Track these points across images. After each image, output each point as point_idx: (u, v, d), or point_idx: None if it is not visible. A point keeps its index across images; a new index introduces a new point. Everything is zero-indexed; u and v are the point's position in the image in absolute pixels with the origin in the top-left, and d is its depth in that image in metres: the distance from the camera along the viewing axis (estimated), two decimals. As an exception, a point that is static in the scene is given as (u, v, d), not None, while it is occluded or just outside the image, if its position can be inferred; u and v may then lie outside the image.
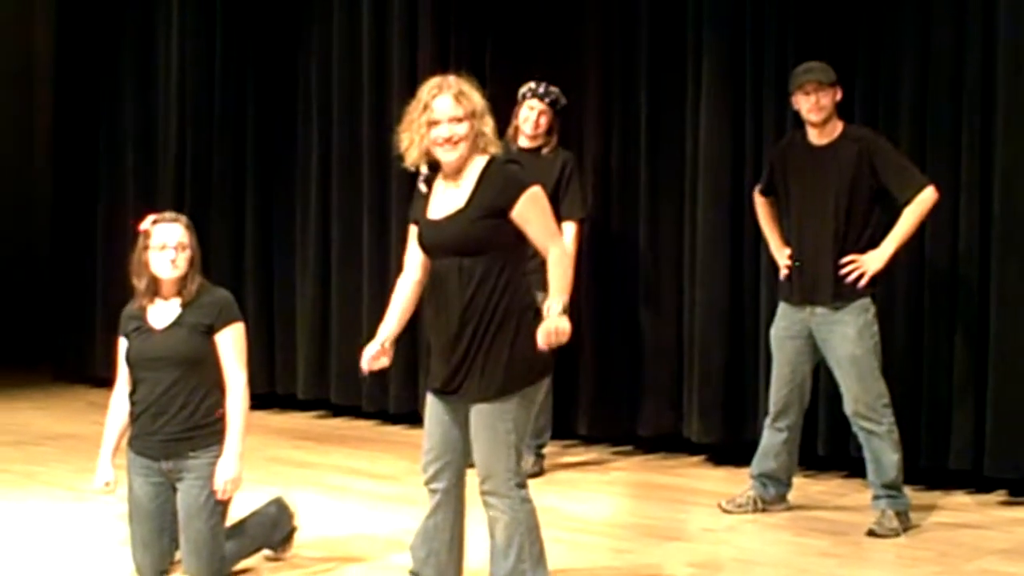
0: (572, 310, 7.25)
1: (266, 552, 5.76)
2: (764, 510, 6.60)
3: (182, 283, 5.48)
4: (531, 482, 7.26)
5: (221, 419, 5.47)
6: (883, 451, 6.27)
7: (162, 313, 5.49)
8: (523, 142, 7.29)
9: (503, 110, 7.52)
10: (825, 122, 6.31)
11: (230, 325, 5.49)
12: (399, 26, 8.71)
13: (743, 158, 7.49)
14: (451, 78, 4.93)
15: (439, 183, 4.97)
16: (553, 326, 4.70)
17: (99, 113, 10.29)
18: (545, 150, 7.30)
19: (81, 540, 6.15)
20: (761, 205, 6.67)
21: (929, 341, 7.01)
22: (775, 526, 6.43)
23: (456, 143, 4.85)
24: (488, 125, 4.89)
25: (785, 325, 6.48)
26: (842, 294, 6.26)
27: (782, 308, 6.51)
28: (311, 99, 9.16)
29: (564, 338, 4.72)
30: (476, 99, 4.90)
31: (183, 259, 5.45)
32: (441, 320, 4.89)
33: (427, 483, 5.04)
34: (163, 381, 5.41)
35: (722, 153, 7.53)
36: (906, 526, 6.29)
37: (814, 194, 6.33)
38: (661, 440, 7.93)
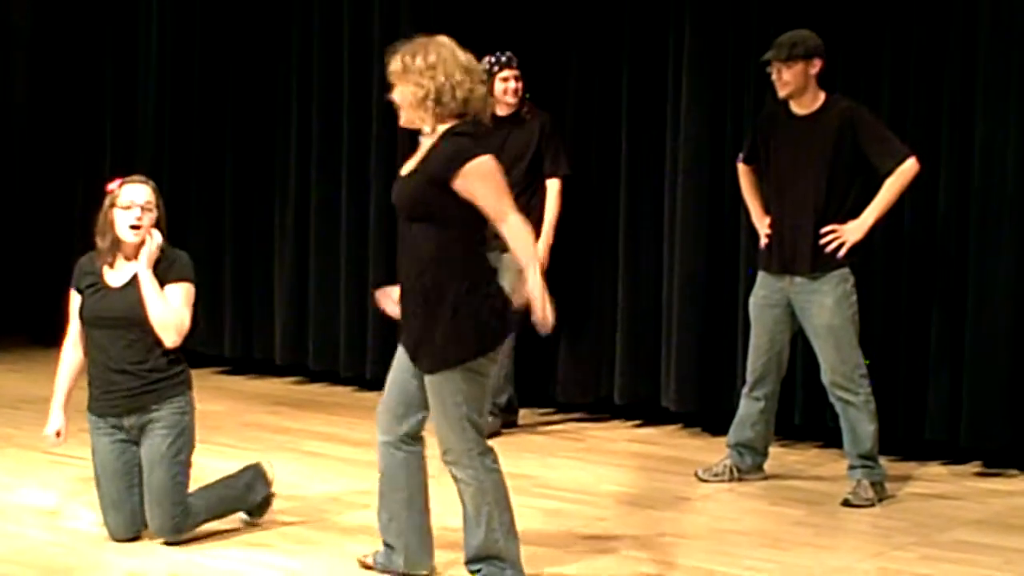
0: (549, 275, 7.32)
1: (242, 516, 5.76)
2: (740, 479, 6.61)
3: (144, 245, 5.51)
4: (511, 448, 7.33)
5: (183, 371, 5.52)
6: (859, 421, 6.29)
7: (120, 272, 5.53)
8: (500, 111, 7.36)
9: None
10: (792, 96, 6.30)
11: (179, 282, 5.51)
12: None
13: (724, 125, 7.47)
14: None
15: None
16: (543, 312, 4.65)
17: (77, 79, 10.20)
18: (523, 111, 7.48)
19: (55, 503, 6.13)
20: (743, 173, 6.66)
21: (907, 312, 7.02)
22: (751, 495, 6.44)
23: (396, 109, 4.91)
24: (437, 82, 4.77)
25: (764, 294, 6.48)
26: (821, 264, 6.26)
27: (761, 277, 6.51)
28: (291, 66, 9.10)
29: (549, 314, 4.67)
30: (398, 62, 4.85)
31: (148, 219, 5.47)
32: (398, 282, 4.94)
33: (379, 435, 5.06)
34: (120, 339, 5.46)
35: (703, 120, 7.51)
36: (881, 496, 6.30)
37: (795, 164, 6.32)
38: (638, 408, 7.93)
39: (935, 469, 6.92)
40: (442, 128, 4.83)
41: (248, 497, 5.74)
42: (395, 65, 4.86)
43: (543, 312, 4.67)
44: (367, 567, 5.23)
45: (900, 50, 7.00)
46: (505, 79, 7.40)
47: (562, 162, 7.49)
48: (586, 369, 8.05)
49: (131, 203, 5.46)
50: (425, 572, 5.12)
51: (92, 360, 5.54)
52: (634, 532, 5.82)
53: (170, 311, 5.43)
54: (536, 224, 7.28)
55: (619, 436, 7.69)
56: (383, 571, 5.17)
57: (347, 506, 6.15)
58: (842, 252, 6.23)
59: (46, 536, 5.69)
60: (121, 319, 5.44)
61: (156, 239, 5.47)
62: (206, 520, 5.60)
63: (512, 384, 7.60)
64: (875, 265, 6.90)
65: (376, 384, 8.76)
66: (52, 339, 10.12)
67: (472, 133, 4.83)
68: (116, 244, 5.50)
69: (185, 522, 5.48)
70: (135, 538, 5.53)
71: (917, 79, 6.96)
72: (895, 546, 5.67)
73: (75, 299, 5.59)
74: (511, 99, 7.40)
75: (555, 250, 7.46)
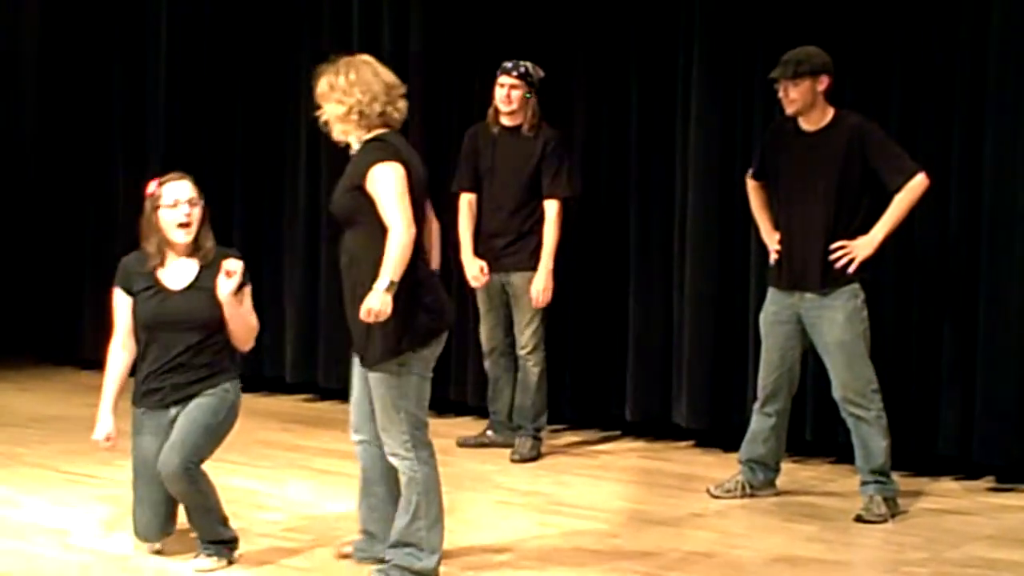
0: (560, 293, 7.38)
1: (199, 563, 5.48)
2: (752, 495, 6.60)
3: (196, 240, 5.51)
4: (525, 466, 7.33)
5: (232, 361, 5.59)
6: (871, 437, 6.27)
7: (177, 273, 5.51)
8: (504, 121, 7.36)
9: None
10: (800, 113, 6.30)
11: (244, 286, 5.57)
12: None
13: (733, 142, 7.47)
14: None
15: None
16: (366, 305, 4.94)
17: (86, 85, 10.19)
18: (524, 128, 7.34)
19: (65, 521, 6.13)
20: (753, 189, 6.65)
21: (918, 327, 7.01)
22: (763, 511, 6.42)
23: (325, 127, 5.22)
24: (358, 98, 5.07)
25: (774, 310, 6.47)
26: (831, 279, 6.26)
27: (771, 293, 6.51)
28: (301, 73, 9.08)
29: (376, 317, 4.93)
30: (324, 82, 5.15)
31: (196, 214, 5.52)
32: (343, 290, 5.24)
33: (354, 435, 5.39)
34: (181, 342, 5.47)
35: (712, 137, 7.50)
36: (894, 512, 6.29)
37: (804, 179, 6.32)
38: (650, 425, 7.92)
39: (947, 484, 6.91)
40: (365, 139, 5.15)
41: (224, 522, 5.51)
42: (321, 86, 5.17)
43: (367, 316, 4.95)
44: (346, 556, 5.48)
45: (910, 65, 7.00)
46: (501, 85, 7.28)
47: (562, 183, 7.29)
48: (598, 386, 8.04)
49: (176, 200, 5.48)
50: None
51: (144, 358, 5.51)
52: (646, 549, 5.81)
53: (250, 326, 5.58)
54: (535, 247, 7.31)
55: (631, 453, 7.68)
56: (362, 560, 5.40)
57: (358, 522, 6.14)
58: (852, 268, 6.23)
59: (56, 554, 5.68)
60: (184, 322, 5.45)
61: (237, 267, 5.50)
62: (202, 499, 5.41)
63: (546, 411, 7.58)
64: (886, 280, 6.89)
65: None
66: (61, 358, 10.22)
67: (388, 140, 5.13)
68: (163, 246, 5.49)
69: (197, 473, 5.34)
70: (165, 536, 5.55)
71: (927, 94, 6.95)
72: (908, 562, 5.66)
73: (123, 300, 5.52)
74: (504, 106, 7.27)
75: (565, 267, 7.47)
